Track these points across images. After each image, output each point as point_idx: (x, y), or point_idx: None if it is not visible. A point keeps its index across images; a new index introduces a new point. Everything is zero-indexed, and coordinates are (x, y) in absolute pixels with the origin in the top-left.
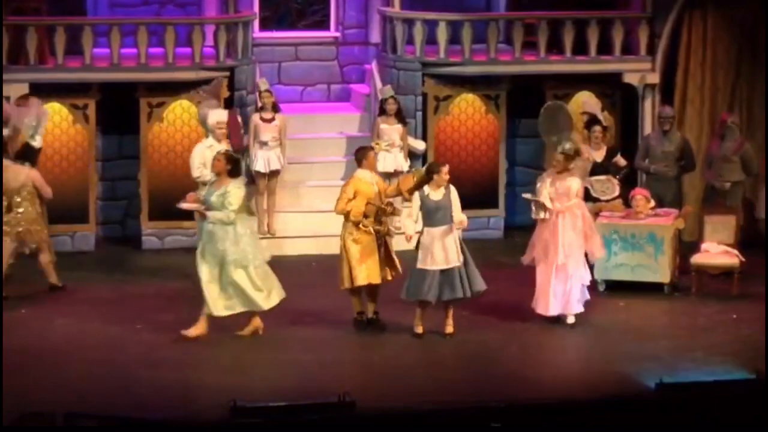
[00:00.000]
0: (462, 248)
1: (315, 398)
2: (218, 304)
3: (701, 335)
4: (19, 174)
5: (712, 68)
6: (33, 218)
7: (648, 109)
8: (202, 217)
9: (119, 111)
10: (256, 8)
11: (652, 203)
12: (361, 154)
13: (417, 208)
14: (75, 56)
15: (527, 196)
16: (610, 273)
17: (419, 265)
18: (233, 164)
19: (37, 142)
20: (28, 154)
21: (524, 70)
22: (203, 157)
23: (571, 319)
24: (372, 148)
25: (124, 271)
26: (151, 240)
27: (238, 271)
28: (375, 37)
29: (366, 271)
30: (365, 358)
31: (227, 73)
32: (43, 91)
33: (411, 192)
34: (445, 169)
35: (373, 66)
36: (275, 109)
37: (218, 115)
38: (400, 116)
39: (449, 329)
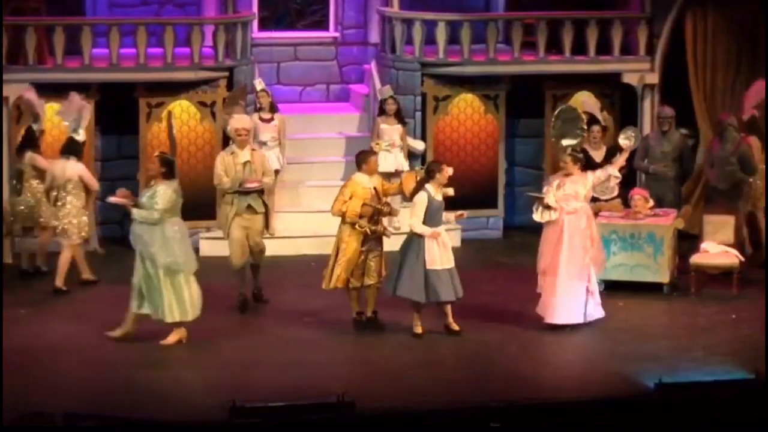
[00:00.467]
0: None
1: (314, 398)
2: (135, 302)
3: (700, 335)
4: (65, 168)
5: (713, 67)
6: (76, 213)
7: (647, 109)
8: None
9: (118, 111)
10: (255, 8)
11: (651, 203)
12: (361, 158)
13: (423, 210)
14: (74, 56)
15: (532, 193)
16: (609, 273)
17: (431, 267)
18: (168, 167)
19: (80, 136)
20: (72, 149)
21: (523, 70)
22: (224, 164)
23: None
24: (373, 153)
25: (123, 271)
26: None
27: (166, 279)
28: (374, 37)
29: (342, 275)
30: (364, 358)
31: (226, 74)
32: (42, 91)
33: (413, 194)
34: (446, 168)
35: (372, 66)
36: (273, 109)
37: (239, 122)
38: (400, 116)
39: (454, 327)
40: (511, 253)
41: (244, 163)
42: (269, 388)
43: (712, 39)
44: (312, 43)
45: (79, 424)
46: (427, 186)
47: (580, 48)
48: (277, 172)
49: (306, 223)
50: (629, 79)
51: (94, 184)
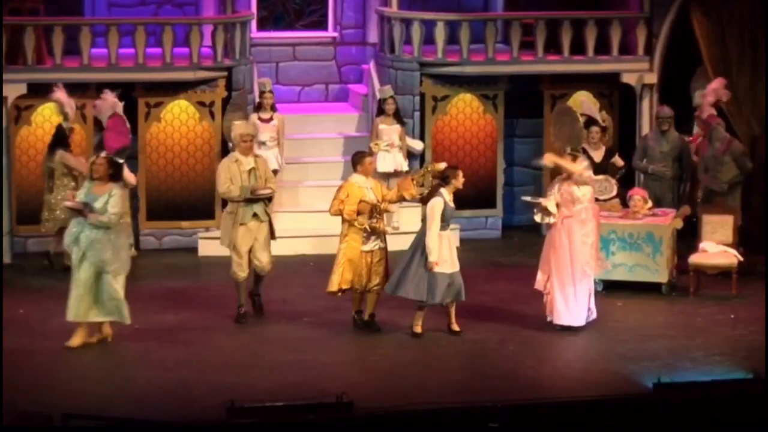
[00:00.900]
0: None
1: (313, 398)
2: (79, 310)
3: (699, 335)
4: (52, 157)
5: (731, 62)
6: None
7: (646, 109)
8: (75, 217)
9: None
10: (254, 8)
11: (650, 204)
12: (356, 159)
13: (440, 216)
14: (73, 56)
15: (526, 198)
16: (608, 273)
17: (443, 271)
18: (115, 169)
19: (65, 124)
20: (61, 137)
21: (522, 70)
22: (229, 172)
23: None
24: (368, 154)
25: None
26: (148, 240)
27: (117, 279)
28: (373, 37)
29: (347, 276)
30: (363, 358)
31: (225, 73)
32: (40, 91)
33: (426, 199)
34: (461, 173)
35: (371, 66)
36: (273, 108)
37: (244, 128)
38: (399, 116)
39: (456, 327)
40: (509, 253)
41: (249, 171)
42: (268, 388)
43: (725, 33)
44: (311, 43)
45: (76, 424)
46: (442, 191)
47: (578, 48)
48: (275, 172)
49: (305, 223)
50: (628, 79)
51: (131, 179)
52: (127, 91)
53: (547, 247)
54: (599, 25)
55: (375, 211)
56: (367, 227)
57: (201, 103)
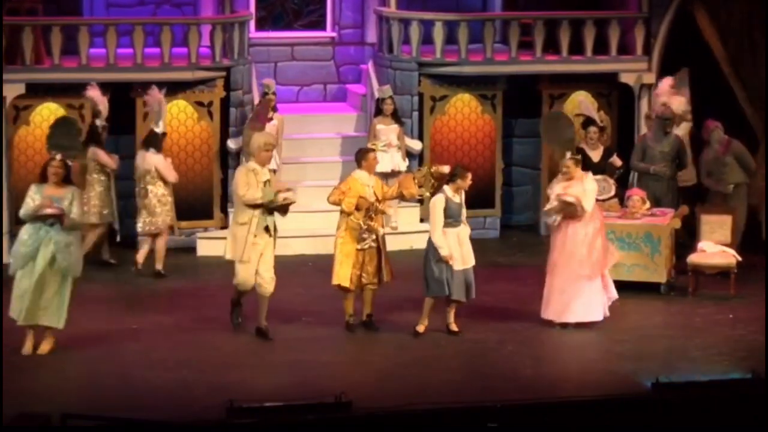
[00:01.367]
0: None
1: (312, 398)
2: (35, 313)
3: (697, 335)
4: (144, 160)
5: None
6: (156, 202)
7: (644, 109)
8: (48, 221)
9: (115, 111)
10: (252, 8)
11: (648, 204)
12: (360, 156)
13: (441, 213)
14: (71, 56)
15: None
16: (607, 273)
17: (454, 266)
18: (68, 171)
19: (160, 128)
20: (152, 141)
21: (520, 70)
22: (248, 179)
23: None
24: (372, 150)
25: (120, 271)
26: (147, 240)
27: (65, 283)
28: (371, 37)
29: (341, 272)
30: (362, 358)
31: (223, 73)
32: (39, 91)
33: (432, 194)
34: (469, 175)
35: (370, 66)
36: (274, 109)
37: (266, 137)
38: (397, 116)
39: (454, 327)
40: (508, 253)
41: (265, 182)
42: (266, 389)
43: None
44: (309, 43)
45: (75, 424)
46: (445, 188)
47: (577, 48)
48: (273, 172)
49: (303, 223)
50: (626, 79)
51: (171, 175)
52: (124, 92)
53: (551, 249)
54: (598, 25)
55: (372, 209)
56: (362, 224)
57: (199, 103)
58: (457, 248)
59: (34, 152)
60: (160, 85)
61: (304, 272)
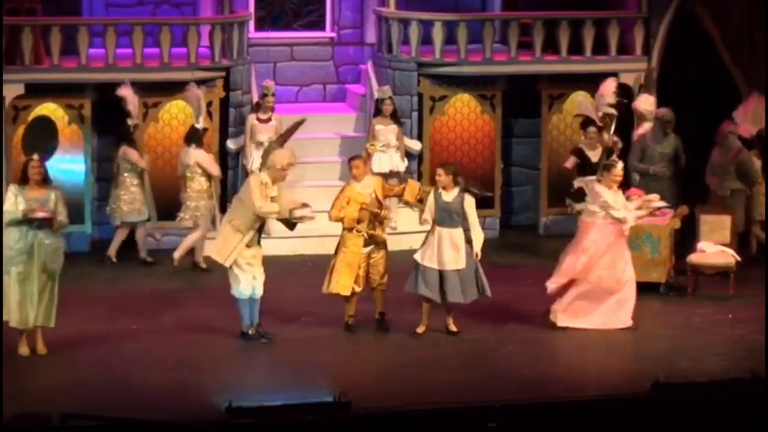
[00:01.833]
0: (468, 255)
1: (311, 398)
2: (34, 315)
3: (697, 335)
4: (186, 155)
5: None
6: (197, 197)
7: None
8: (39, 226)
9: (115, 111)
10: (252, 8)
11: None
12: (349, 165)
13: (431, 205)
14: (70, 56)
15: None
16: None
17: (417, 257)
18: (47, 171)
19: (200, 124)
20: (193, 137)
21: (520, 70)
22: (261, 191)
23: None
24: (356, 158)
25: (119, 271)
26: (147, 240)
27: (54, 283)
28: (370, 37)
29: (341, 281)
30: (362, 358)
31: (223, 74)
32: (38, 91)
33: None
34: (439, 170)
35: (369, 66)
36: (272, 110)
37: (290, 158)
38: (396, 117)
39: (453, 327)
40: (507, 253)
41: (273, 198)
42: (266, 388)
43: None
44: (308, 43)
45: (75, 424)
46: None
47: (576, 48)
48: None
49: (303, 224)
50: (626, 79)
51: (214, 170)
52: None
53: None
54: (597, 25)
55: (375, 218)
56: (366, 234)
57: None
58: (437, 248)
59: None
60: (77, 89)
61: (303, 272)
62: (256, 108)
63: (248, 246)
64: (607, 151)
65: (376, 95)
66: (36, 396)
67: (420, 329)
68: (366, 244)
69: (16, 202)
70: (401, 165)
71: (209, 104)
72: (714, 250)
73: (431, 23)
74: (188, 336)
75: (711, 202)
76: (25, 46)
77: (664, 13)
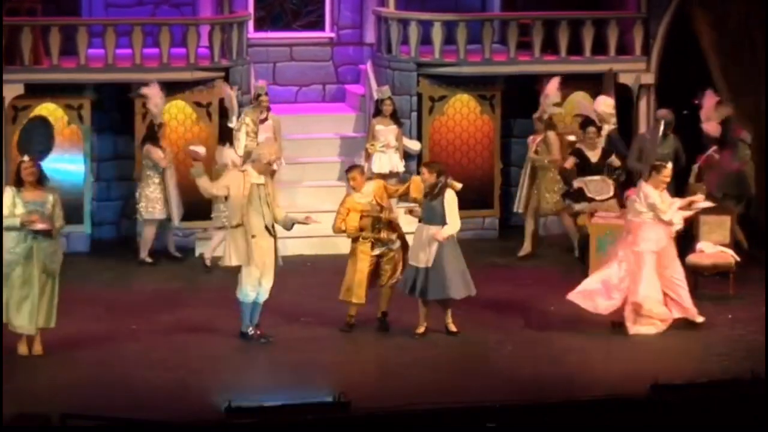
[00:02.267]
0: (441, 253)
1: (310, 398)
2: (32, 321)
3: (697, 335)
4: (220, 154)
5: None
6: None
7: (643, 109)
8: (39, 234)
9: (114, 111)
10: (251, 8)
11: None
12: (347, 175)
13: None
14: (70, 57)
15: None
16: None
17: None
18: (42, 172)
19: (233, 123)
20: (227, 135)
21: (519, 71)
22: (231, 178)
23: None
24: (353, 169)
25: (118, 272)
26: (219, 234)
27: (54, 284)
28: (370, 37)
29: (356, 291)
30: (361, 358)
31: (222, 74)
32: (38, 91)
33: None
34: (424, 169)
35: (368, 66)
36: (268, 109)
37: (273, 151)
38: (395, 117)
39: (452, 327)
40: (507, 254)
41: (258, 185)
42: (265, 388)
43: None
44: (308, 44)
45: (75, 424)
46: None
47: (575, 48)
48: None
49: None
50: (625, 79)
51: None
52: (123, 92)
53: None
54: (596, 25)
55: (378, 222)
56: (372, 239)
57: (198, 104)
58: (419, 244)
59: None
60: (77, 89)
61: (303, 272)
62: (254, 108)
63: (254, 236)
64: (606, 151)
65: (375, 95)
66: (36, 396)
67: (419, 329)
68: (375, 247)
69: (13, 205)
70: (400, 165)
71: (209, 105)
72: (713, 250)
73: (431, 23)
74: (188, 336)
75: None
76: (24, 46)
77: (663, 14)
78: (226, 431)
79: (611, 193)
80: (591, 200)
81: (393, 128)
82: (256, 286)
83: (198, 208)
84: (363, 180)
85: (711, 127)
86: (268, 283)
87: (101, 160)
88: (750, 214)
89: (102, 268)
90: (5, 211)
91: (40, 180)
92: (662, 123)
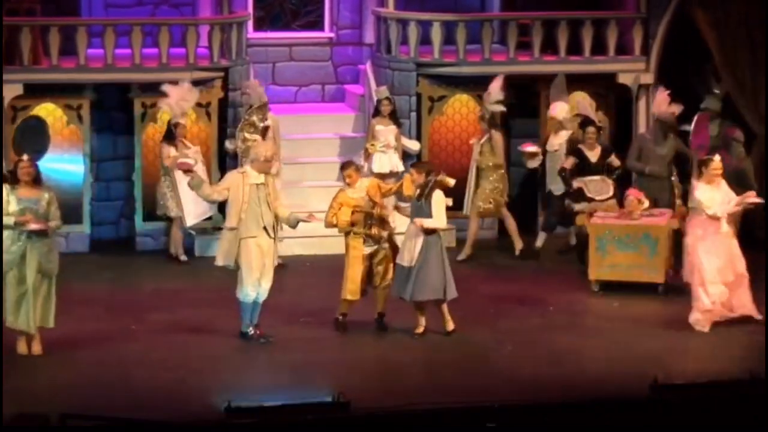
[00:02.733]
0: (426, 254)
1: (310, 398)
2: (29, 319)
3: (696, 335)
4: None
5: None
6: None
7: (642, 109)
8: (36, 232)
9: (113, 111)
10: (251, 9)
11: (646, 204)
12: (342, 172)
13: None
14: (69, 57)
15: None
16: (604, 273)
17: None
18: (39, 171)
19: (265, 122)
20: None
21: (518, 71)
22: (230, 180)
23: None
24: (349, 166)
25: (118, 272)
26: (145, 241)
27: (51, 284)
28: (369, 37)
29: (350, 287)
30: (360, 358)
31: (222, 74)
32: (37, 91)
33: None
34: (412, 170)
35: (368, 66)
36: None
37: (269, 148)
38: (395, 117)
39: (449, 326)
40: (506, 254)
41: (258, 185)
42: (265, 388)
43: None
44: (307, 44)
45: (74, 424)
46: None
47: (575, 48)
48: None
49: (301, 224)
50: (624, 79)
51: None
52: (123, 92)
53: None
54: (596, 25)
55: (370, 218)
56: (363, 235)
57: (197, 104)
58: (411, 247)
59: None
60: (76, 89)
61: (301, 272)
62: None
63: (253, 237)
64: (605, 151)
65: (374, 95)
66: (36, 396)
67: (419, 330)
68: (366, 243)
69: (7, 202)
70: (400, 165)
71: (208, 105)
72: None
73: (430, 23)
74: (188, 336)
75: None
76: (23, 46)
77: (662, 14)
78: (226, 431)
79: (611, 193)
80: (591, 200)
81: (392, 128)
82: (256, 286)
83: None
84: (358, 176)
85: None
86: (267, 283)
87: (100, 160)
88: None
89: (101, 267)
90: (11, 208)
91: (36, 180)
92: (663, 124)
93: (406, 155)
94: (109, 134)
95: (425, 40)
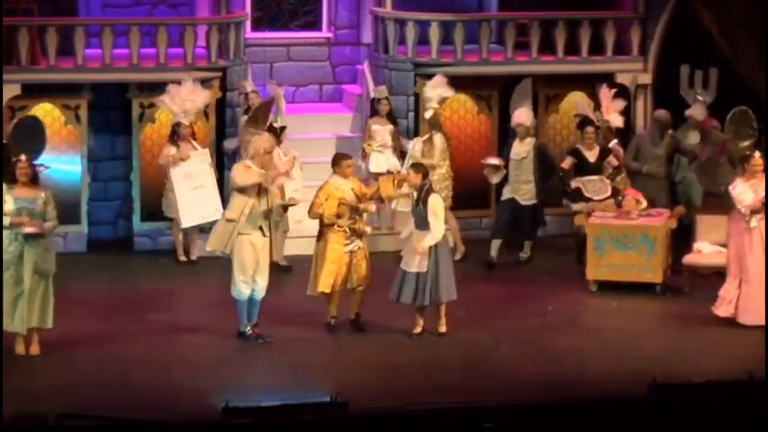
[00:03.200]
0: (437, 256)
1: (308, 398)
2: (24, 320)
3: (694, 335)
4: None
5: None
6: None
7: (640, 109)
8: (31, 234)
9: (111, 111)
10: (248, 9)
11: (644, 204)
12: (334, 161)
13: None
14: (67, 57)
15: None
16: (602, 273)
17: (404, 266)
18: (36, 171)
19: (278, 122)
20: (273, 134)
21: (516, 71)
22: (243, 171)
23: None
24: (347, 157)
25: (116, 272)
26: (143, 241)
27: (48, 283)
28: (367, 37)
29: (324, 279)
30: (358, 358)
31: (219, 74)
32: (34, 91)
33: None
34: (410, 171)
35: (365, 66)
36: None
37: (269, 142)
38: (392, 117)
39: (442, 329)
40: (505, 254)
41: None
42: (263, 388)
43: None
44: (305, 44)
45: (71, 424)
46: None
47: (573, 48)
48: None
49: (301, 225)
50: (622, 79)
51: (281, 167)
52: (120, 92)
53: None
54: (594, 25)
55: (354, 212)
56: (347, 229)
57: None
58: (408, 251)
59: None
60: (74, 89)
61: (300, 272)
62: (247, 110)
63: (246, 234)
64: (604, 151)
65: (372, 95)
66: (35, 396)
67: (416, 330)
68: (348, 239)
69: (4, 201)
70: (398, 165)
71: (206, 105)
72: (710, 250)
73: (428, 23)
74: (186, 336)
75: (707, 203)
76: (21, 46)
77: (660, 14)
78: (225, 431)
79: (609, 193)
80: (589, 200)
81: (389, 128)
82: (249, 282)
83: None
84: (353, 170)
85: (614, 119)
86: (263, 280)
87: (98, 160)
88: None
89: (99, 268)
90: (7, 207)
91: (33, 180)
92: (659, 124)
93: (404, 155)
94: (106, 134)
95: (423, 40)
